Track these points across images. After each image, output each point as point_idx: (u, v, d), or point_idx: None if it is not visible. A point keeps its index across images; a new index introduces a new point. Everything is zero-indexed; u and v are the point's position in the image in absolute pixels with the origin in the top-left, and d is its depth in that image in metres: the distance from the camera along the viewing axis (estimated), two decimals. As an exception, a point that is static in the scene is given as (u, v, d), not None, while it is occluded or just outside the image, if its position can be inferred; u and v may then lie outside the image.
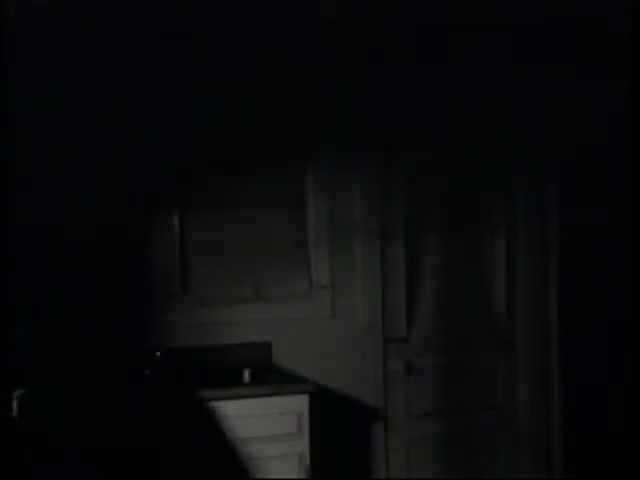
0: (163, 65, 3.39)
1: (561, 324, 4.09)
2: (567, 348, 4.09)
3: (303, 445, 3.17)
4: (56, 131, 3.24)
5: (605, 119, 3.77)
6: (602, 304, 3.90)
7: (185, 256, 3.54)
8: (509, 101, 3.96)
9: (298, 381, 3.32)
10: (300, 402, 3.17)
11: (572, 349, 4.07)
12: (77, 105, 3.26)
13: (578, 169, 4.01)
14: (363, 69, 3.70)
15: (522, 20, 3.58)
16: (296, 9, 3.36)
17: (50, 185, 3.23)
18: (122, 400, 2.99)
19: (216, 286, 3.57)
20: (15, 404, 2.33)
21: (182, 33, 3.39)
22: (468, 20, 3.57)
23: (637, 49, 2.18)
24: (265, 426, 3.12)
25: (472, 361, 4.03)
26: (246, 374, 3.46)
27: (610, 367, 3.84)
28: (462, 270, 4.01)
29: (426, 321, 3.95)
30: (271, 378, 3.37)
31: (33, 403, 2.40)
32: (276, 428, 3.14)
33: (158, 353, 3.35)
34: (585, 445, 4.03)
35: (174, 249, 3.52)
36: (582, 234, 3.98)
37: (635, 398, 2.38)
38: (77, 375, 3.21)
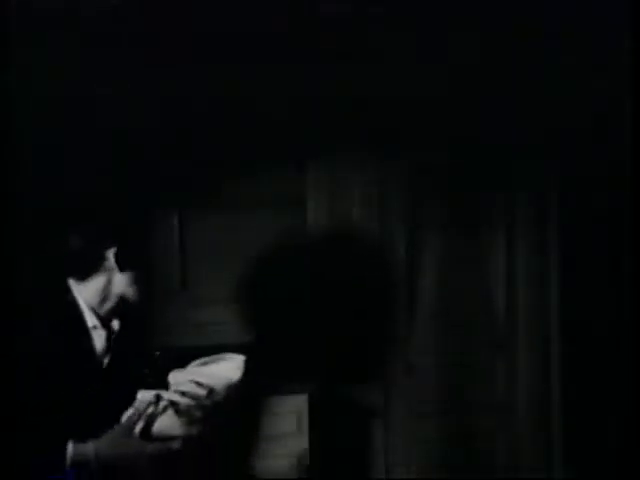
0: (163, 65, 3.39)
1: (561, 324, 4.09)
2: (567, 348, 4.08)
3: (303, 445, 3.17)
4: (55, 131, 3.24)
5: (606, 118, 3.77)
6: (602, 304, 3.89)
7: (185, 256, 3.54)
8: (511, 100, 3.96)
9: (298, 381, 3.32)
10: (300, 402, 3.17)
11: (572, 349, 4.06)
12: (77, 105, 3.27)
13: (578, 169, 4.01)
14: (365, 67, 3.70)
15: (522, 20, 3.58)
16: (295, 8, 3.36)
17: (49, 185, 3.23)
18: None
19: (216, 286, 3.57)
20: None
21: (182, 33, 3.39)
22: (470, 19, 3.57)
23: (637, 48, 2.18)
24: (265, 426, 3.11)
25: (472, 361, 4.02)
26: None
27: (610, 367, 3.84)
28: (462, 270, 4.01)
29: (426, 321, 3.95)
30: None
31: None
32: (276, 428, 3.13)
33: (158, 353, 3.35)
34: (585, 445, 4.03)
35: (174, 249, 3.52)
36: (582, 234, 3.98)
37: (636, 398, 2.38)
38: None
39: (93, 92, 3.28)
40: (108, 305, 2.25)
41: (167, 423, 2.13)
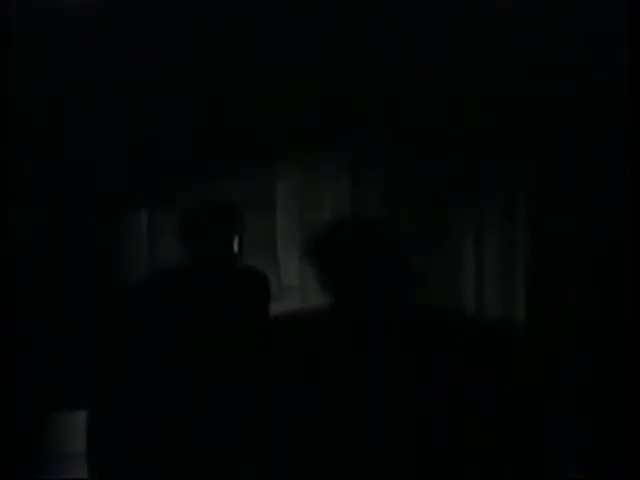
0: (162, 65, 3.39)
1: (529, 324, 4.07)
2: (536, 346, 4.06)
3: (303, 445, 3.16)
4: (55, 130, 3.24)
5: (606, 117, 3.77)
6: (584, 302, 3.89)
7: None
8: (509, 100, 3.95)
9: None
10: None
11: (543, 347, 4.05)
12: (76, 104, 3.27)
13: (578, 168, 4.01)
14: (358, 65, 3.68)
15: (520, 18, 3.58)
16: (293, 8, 3.36)
17: (49, 185, 3.23)
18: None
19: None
20: None
21: (181, 33, 3.39)
22: (472, 18, 3.57)
23: (637, 48, 2.19)
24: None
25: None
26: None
27: (598, 366, 3.83)
28: (434, 268, 3.99)
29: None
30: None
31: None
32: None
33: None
34: (584, 444, 4.03)
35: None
36: (582, 233, 3.98)
37: (631, 398, 2.37)
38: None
39: (93, 92, 3.28)
40: None
41: None
